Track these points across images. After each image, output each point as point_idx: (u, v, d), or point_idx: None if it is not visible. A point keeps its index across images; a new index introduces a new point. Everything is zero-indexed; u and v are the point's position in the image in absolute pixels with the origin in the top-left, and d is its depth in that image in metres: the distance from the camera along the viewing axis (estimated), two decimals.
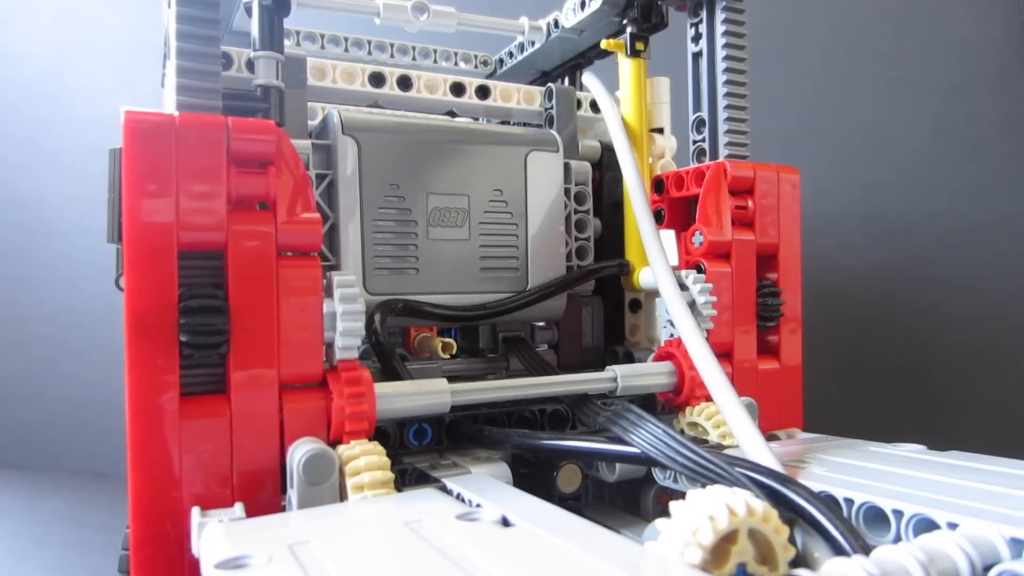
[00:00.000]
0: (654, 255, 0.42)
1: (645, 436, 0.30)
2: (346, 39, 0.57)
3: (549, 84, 0.51)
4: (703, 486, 0.24)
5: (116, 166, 0.34)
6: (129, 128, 0.29)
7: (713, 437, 0.38)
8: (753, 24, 0.48)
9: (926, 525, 0.26)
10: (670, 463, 0.28)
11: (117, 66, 0.98)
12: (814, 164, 0.73)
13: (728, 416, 0.34)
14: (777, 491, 0.26)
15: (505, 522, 0.25)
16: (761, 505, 0.22)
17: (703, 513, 0.21)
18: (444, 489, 0.31)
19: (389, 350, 0.38)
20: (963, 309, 0.80)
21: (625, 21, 0.50)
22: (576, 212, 0.48)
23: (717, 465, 0.26)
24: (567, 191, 0.47)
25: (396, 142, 0.42)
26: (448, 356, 0.47)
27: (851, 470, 0.32)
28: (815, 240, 0.62)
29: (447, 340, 0.47)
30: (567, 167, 0.48)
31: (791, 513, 0.25)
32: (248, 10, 0.40)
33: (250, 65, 0.40)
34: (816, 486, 0.29)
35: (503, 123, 0.56)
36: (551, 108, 0.50)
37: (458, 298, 0.43)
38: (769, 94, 0.58)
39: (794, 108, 0.82)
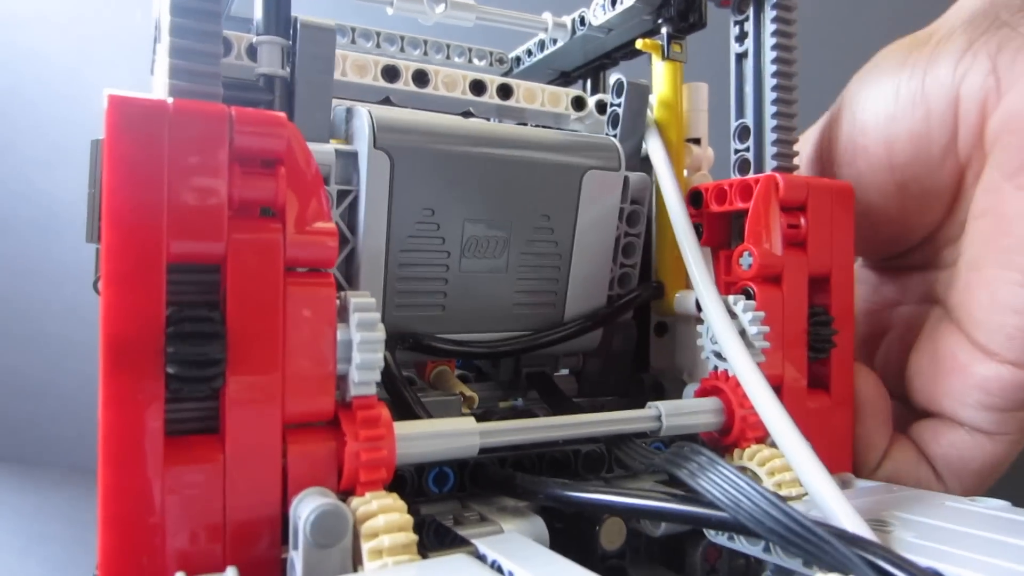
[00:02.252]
0: (701, 281, 0.37)
1: (728, 492, 0.24)
2: (353, 29, 0.52)
3: (619, 77, 0.45)
4: (788, 553, 0.19)
5: (97, 158, 0.29)
6: (113, 114, 0.24)
7: (768, 485, 0.34)
8: (805, 21, 0.44)
9: None
10: (763, 531, 0.23)
11: (134, 64, 0.96)
12: None
13: (801, 469, 0.29)
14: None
15: None
16: None
17: None
18: (475, 554, 0.26)
19: (402, 382, 0.33)
20: None
21: (660, 20, 0.46)
22: (626, 235, 0.43)
23: (825, 540, 0.22)
24: (620, 211, 0.42)
25: (437, 156, 0.35)
26: (468, 411, 0.41)
27: (943, 535, 0.28)
28: None
29: (470, 394, 0.41)
30: (625, 182, 0.42)
31: None
32: None
33: (251, 52, 0.36)
34: (919, 559, 0.25)
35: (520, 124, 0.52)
36: (618, 105, 0.44)
37: (484, 336, 0.38)
38: (821, 100, 0.53)
39: None
